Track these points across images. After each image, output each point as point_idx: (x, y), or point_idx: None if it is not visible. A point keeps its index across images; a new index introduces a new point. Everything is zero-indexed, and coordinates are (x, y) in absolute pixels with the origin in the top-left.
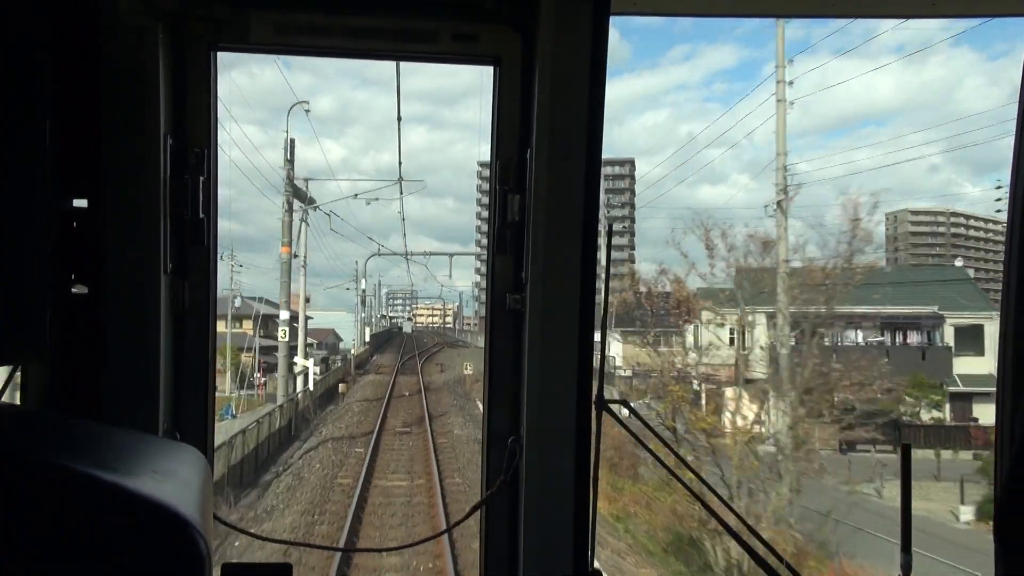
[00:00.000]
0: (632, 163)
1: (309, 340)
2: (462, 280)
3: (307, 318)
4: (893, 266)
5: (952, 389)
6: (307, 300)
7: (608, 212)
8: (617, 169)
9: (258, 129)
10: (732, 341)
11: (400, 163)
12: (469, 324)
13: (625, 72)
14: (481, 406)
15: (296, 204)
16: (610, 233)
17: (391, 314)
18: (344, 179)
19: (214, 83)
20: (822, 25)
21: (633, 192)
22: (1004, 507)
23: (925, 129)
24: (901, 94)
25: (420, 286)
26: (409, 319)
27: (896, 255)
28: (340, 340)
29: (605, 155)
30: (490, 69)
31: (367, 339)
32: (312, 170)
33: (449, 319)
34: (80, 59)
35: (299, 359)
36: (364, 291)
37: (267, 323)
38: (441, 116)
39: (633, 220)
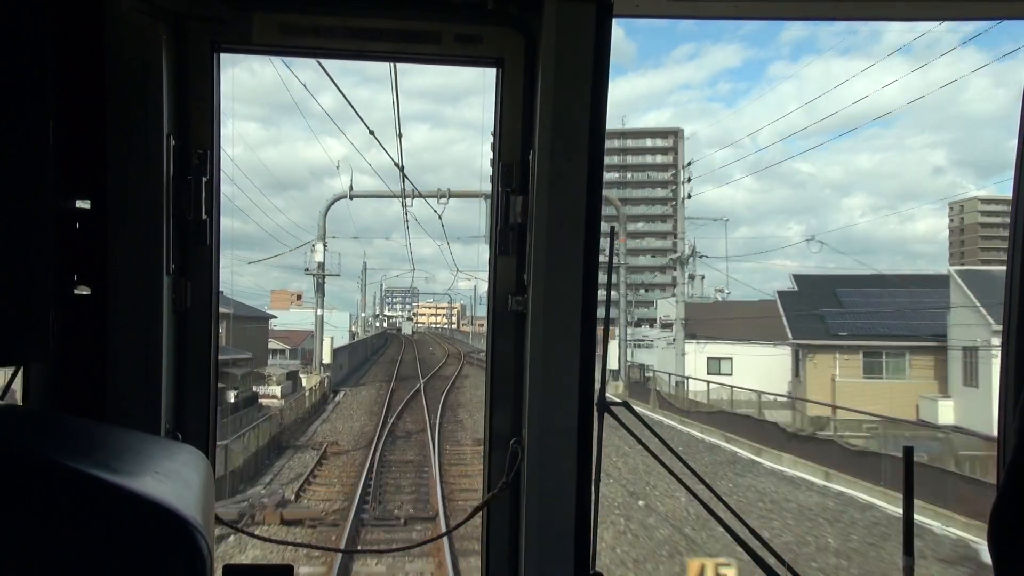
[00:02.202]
0: (677, 134)
1: (279, 347)
2: (466, 271)
3: None
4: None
5: None
6: (299, 297)
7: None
8: (659, 142)
9: (259, 126)
10: None
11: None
12: (481, 326)
13: (629, 71)
14: None
15: None
16: (612, 234)
17: (389, 313)
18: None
19: (217, 84)
20: (828, 26)
21: (678, 169)
22: (999, 511)
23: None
24: (906, 94)
25: (421, 284)
26: (409, 319)
27: (962, 249)
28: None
29: (640, 125)
30: (492, 70)
31: (327, 358)
32: (314, 168)
33: (455, 320)
34: (83, 59)
35: None
36: (322, 265)
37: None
38: (443, 114)
39: (683, 200)
